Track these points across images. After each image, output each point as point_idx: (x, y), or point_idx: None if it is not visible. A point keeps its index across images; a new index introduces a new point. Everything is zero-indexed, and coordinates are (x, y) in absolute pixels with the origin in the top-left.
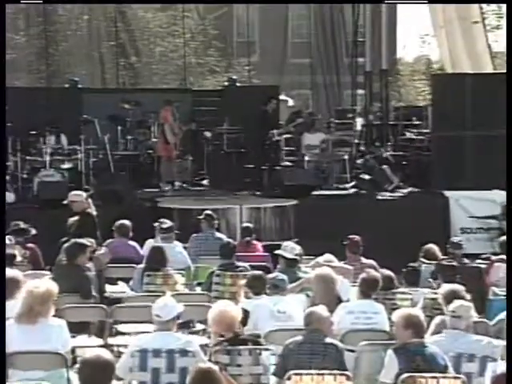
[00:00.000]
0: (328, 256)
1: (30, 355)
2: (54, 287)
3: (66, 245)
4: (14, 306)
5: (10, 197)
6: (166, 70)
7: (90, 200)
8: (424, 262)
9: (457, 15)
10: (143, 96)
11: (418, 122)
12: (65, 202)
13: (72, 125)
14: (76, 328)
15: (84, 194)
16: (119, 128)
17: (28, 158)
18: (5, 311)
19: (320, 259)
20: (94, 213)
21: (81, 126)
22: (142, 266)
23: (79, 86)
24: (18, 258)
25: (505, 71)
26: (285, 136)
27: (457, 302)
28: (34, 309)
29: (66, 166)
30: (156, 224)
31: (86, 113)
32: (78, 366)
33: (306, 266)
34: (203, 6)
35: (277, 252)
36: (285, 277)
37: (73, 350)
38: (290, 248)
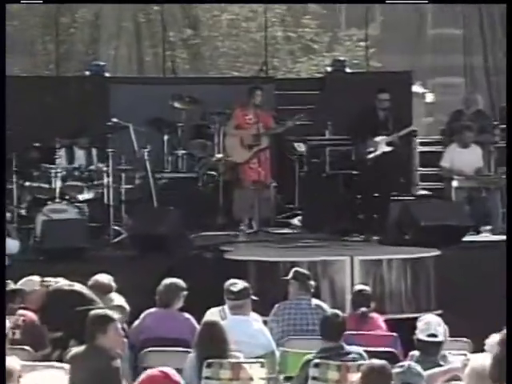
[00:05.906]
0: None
1: None
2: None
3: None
4: None
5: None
6: (238, 49)
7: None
8: None
9: None
10: (203, 89)
11: None
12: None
13: (95, 132)
14: None
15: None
16: (166, 138)
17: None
18: (5, 313)
19: (491, 339)
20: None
21: (108, 135)
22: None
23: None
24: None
25: None
26: (422, 149)
27: None
28: None
29: (86, 196)
30: (223, 286)
31: (115, 113)
32: None
33: (452, 351)
34: None
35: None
36: (421, 371)
37: None
38: (430, 324)
